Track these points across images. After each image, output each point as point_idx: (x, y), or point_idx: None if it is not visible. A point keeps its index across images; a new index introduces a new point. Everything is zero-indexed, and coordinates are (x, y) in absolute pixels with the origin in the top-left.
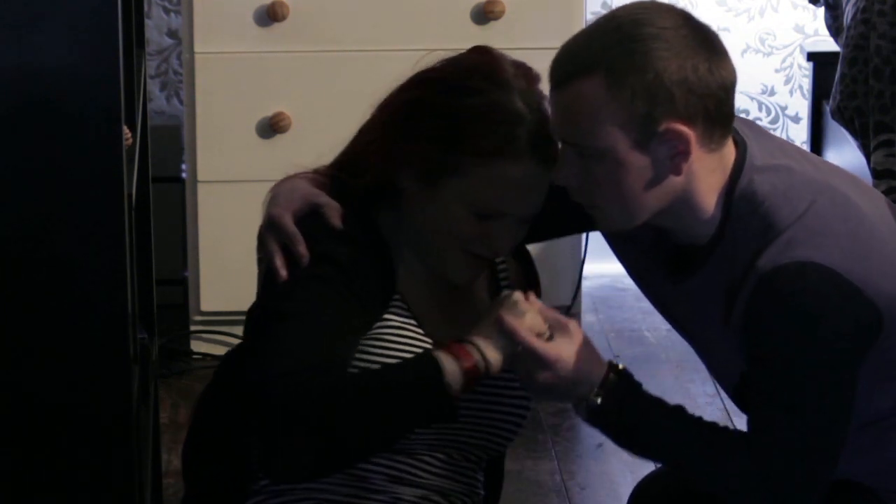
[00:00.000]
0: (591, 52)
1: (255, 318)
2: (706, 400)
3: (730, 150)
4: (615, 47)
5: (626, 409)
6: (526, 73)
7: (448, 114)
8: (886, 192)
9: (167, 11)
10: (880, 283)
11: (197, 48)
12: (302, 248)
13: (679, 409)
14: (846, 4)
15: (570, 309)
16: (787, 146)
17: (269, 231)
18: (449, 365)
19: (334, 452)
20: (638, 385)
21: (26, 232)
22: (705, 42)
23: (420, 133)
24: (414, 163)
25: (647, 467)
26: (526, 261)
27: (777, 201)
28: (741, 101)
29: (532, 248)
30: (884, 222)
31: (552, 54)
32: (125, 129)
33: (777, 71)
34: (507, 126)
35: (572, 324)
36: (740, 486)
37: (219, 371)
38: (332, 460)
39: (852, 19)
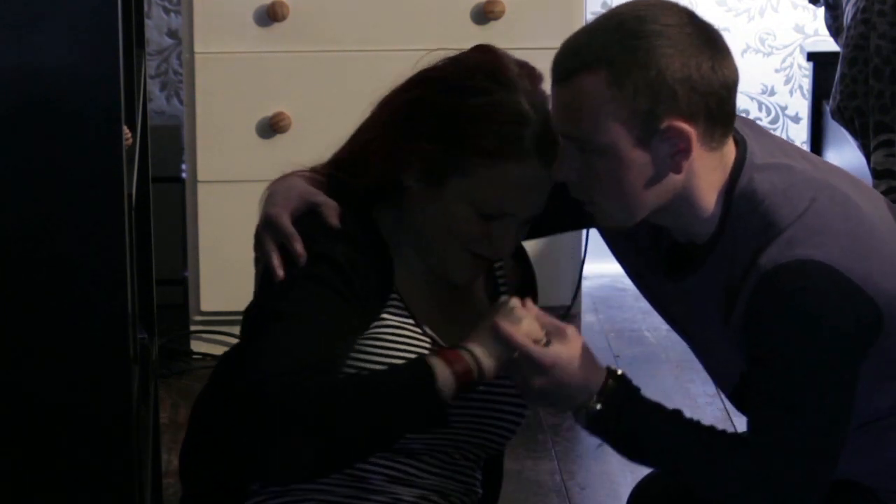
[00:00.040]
0: (594, 47)
1: (251, 317)
2: (706, 400)
3: (730, 149)
4: (618, 43)
5: (625, 414)
6: (530, 73)
7: (453, 113)
8: (886, 192)
9: (167, 11)
10: (880, 281)
11: (197, 48)
12: (299, 248)
13: (677, 414)
14: (846, 4)
15: (570, 309)
16: (786, 145)
17: (267, 230)
18: (441, 371)
19: (327, 454)
20: (637, 390)
21: (26, 232)
22: (709, 40)
23: (425, 132)
24: (418, 162)
25: (646, 468)
26: (523, 260)
27: (777, 200)
28: (741, 101)
29: (532, 248)
30: (883, 222)
31: (552, 54)
32: (125, 129)
33: (777, 71)
34: (513, 127)
35: (570, 329)
36: (740, 487)
37: (216, 371)
38: (326, 461)
39: (852, 19)
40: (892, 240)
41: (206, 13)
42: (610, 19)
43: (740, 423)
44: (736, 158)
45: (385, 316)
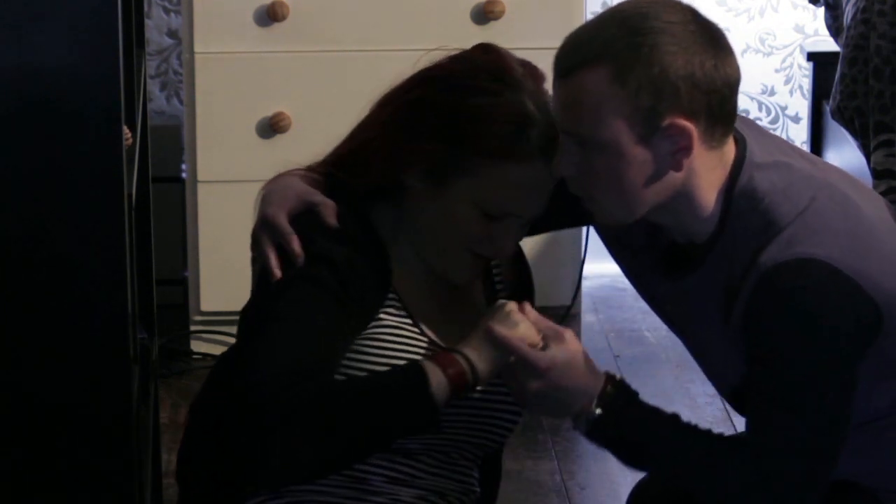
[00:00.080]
0: (597, 43)
1: (248, 318)
2: (706, 400)
3: (730, 148)
4: (622, 39)
5: (625, 420)
6: (533, 73)
7: (459, 113)
8: (886, 192)
9: (167, 11)
10: (880, 280)
11: (197, 48)
12: (297, 248)
13: (676, 418)
14: (846, 4)
15: (570, 309)
16: (784, 144)
17: (264, 230)
18: (435, 375)
19: (322, 456)
20: (636, 395)
21: (26, 232)
22: (712, 39)
23: (429, 132)
24: (421, 162)
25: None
26: (519, 260)
27: (777, 198)
28: (741, 101)
29: (532, 248)
30: (882, 222)
31: (552, 54)
32: (125, 129)
33: (777, 71)
34: (518, 128)
35: (568, 333)
36: (740, 488)
37: (214, 372)
38: (321, 464)
39: (852, 19)
40: (890, 239)
41: (206, 13)
42: (613, 15)
43: (740, 424)
44: (735, 157)
45: (383, 316)
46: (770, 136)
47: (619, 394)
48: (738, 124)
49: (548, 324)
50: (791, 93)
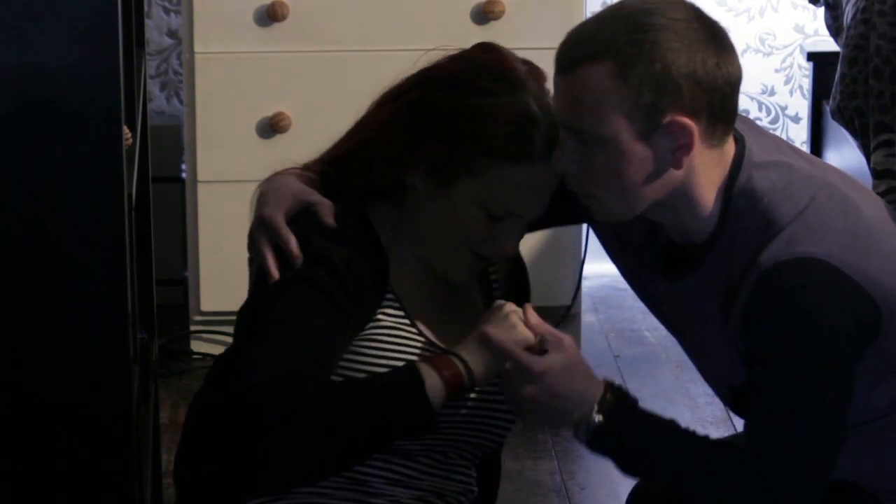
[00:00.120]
0: (599, 39)
1: (245, 319)
2: (706, 400)
3: (730, 148)
4: (624, 36)
5: (627, 427)
6: (535, 73)
7: (464, 113)
8: (886, 192)
9: (167, 11)
10: (880, 280)
11: (197, 48)
12: (295, 249)
13: (675, 424)
14: (846, 4)
15: (570, 309)
16: (782, 144)
17: (261, 231)
18: (431, 378)
19: (318, 459)
20: (636, 402)
21: (26, 232)
22: (714, 37)
23: (433, 132)
24: (425, 162)
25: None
26: (515, 259)
27: (776, 198)
28: (741, 101)
29: (532, 248)
30: (881, 221)
31: (552, 54)
32: (125, 129)
33: (777, 71)
34: (524, 130)
35: (567, 339)
36: (740, 490)
37: (212, 374)
38: (318, 467)
39: (852, 19)
40: (890, 239)
41: (206, 13)
42: (616, 11)
43: (740, 424)
44: (735, 156)
45: (380, 316)
46: (769, 135)
47: (619, 401)
48: (737, 124)
49: (547, 328)
50: (791, 93)
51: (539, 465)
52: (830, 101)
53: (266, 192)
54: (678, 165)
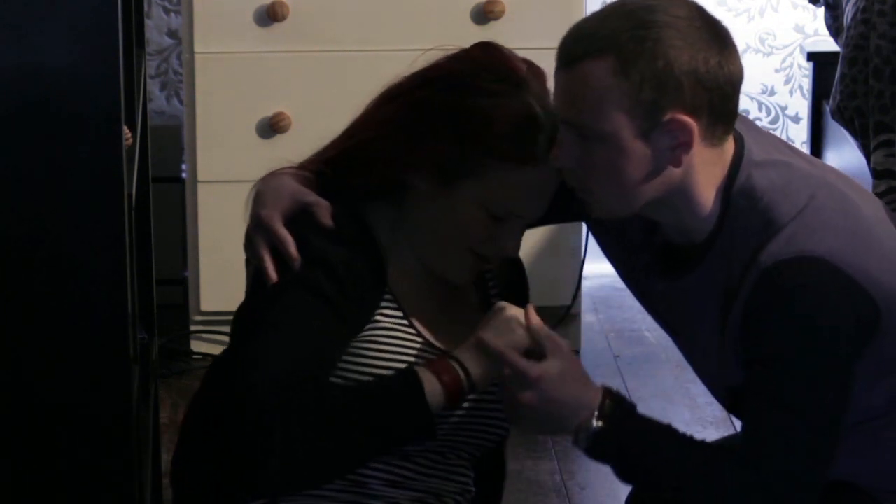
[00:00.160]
0: (602, 35)
1: (242, 320)
2: (706, 400)
3: (730, 147)
4: (627, 32)
5: (627, 433)
6: (536, 73)
7: (468, 115)
8: (886, 192)
9: (167, 11)
10: (879, 279)
11: (197, 48)
12: (293, 251)
13: (672, 429)
14: (846, 4)
15: (570, 309)
16: (780, 143)
17: (258, 232)
18: (430, 383)
19: (317, 465)
20: (634, 407)
21: (26, 232)
22: (717, 36)
23: (436, 133)
24: (428, 163)
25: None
26: (512, 259)
27: (776, 196)
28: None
29: (532, 248)
30: (880, 222)
31: (552, 54)
32: (125, 129)
33: (777, 71)
34: (528, 131)
35: (565, 346)
36: (740, 490)
37: (209, 375)
38: (316, 473)
39: (852, 19)
40: (888, 238)
41: (206, 13)
42: (620, 7)
43: (740, 424)
44: (734, 155)
45: (378, 317)
46: (767, 134)
47: (618, 407)
48: (735, 123)
49: (547, 333)
50: (791, 93)
51: (539, 465)
52: (830, 101)
53: (262, 193)
54: (677, 163)
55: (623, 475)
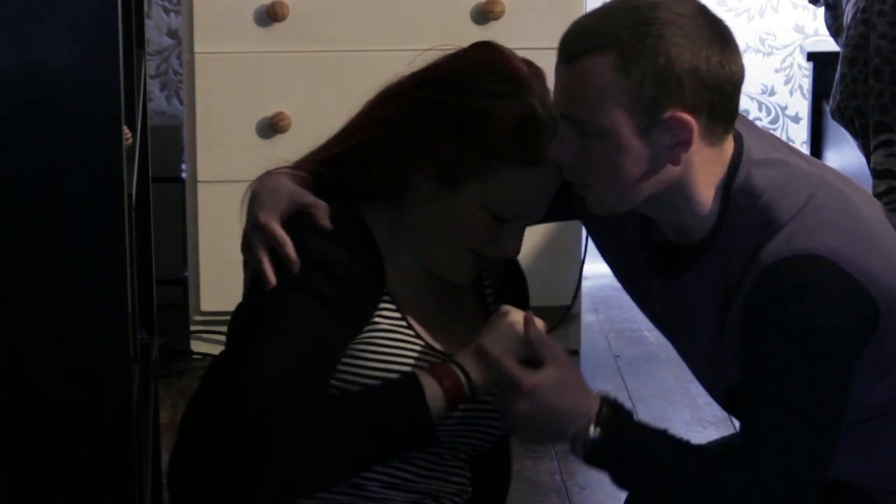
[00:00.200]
0: (604, 30)
1: (241, 323)
2: (706, 400)
3: (729, 146)
4: (629, 28)
5: (625, 440)
6: (537, 73)
7: (467, 115)
8: (886, 192)
9: (167, 11)
10: (878, 278)
11: (197, 48)
12: (292, 254)
13: (669, 434)
14: (846, 4)
15: (570, 309)
16: (779, 142)
17: (256, 234)
18: (431, 388)
19: (316, 471)
20: (631, 415)
21: (26, 232)
22: (719, 35)
23: (438, 134)
24: (431, 164)
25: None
26: (509, 260)
27: (776, 195)
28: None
29: (532, 248)
30: (878, 222)
31: (552, 54)
32: (125, 129)
33: (777, 71)
34: (531, 133)
35: (563, 354)
36: (740, 491)
37: (207, 377)
38: (316, 479)
39: (852, 19)
40: (888, 238)
41: (206, 13)
42: (622, 4)
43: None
44: (733, 153)
45: (377, 319)
46: (765, 133)
47: (616, 414)
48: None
49: (545, 341)
50: (791, 93)
51: (539, 465)
52: (830, 101)
53: (259, 194)
54: (676, 161)
55: (621, 482)
